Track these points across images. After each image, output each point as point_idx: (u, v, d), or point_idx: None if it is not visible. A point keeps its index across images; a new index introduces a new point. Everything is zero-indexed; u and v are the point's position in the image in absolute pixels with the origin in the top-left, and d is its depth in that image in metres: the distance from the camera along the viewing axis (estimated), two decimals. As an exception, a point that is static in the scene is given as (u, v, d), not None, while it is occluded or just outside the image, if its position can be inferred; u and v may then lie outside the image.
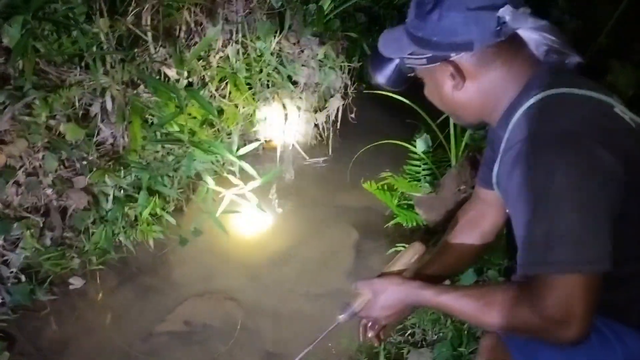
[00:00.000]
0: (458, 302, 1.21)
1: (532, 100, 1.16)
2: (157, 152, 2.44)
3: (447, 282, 1.74)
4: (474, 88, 1.20)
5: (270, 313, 2.72)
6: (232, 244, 2.62)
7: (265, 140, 3.41)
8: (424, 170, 2.98)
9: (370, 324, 1.53)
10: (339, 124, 3.58)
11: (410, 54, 1.22)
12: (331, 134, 3.52)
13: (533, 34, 1.21)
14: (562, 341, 1.05)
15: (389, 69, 1.34)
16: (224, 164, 3.10)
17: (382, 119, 3.63)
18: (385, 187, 2.88)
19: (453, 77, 1.19)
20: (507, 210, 1.21)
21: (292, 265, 2.91)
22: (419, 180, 2.98)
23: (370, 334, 1.52)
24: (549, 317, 1.04)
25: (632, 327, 1.22)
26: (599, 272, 1.04)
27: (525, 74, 1.21)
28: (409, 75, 1.32)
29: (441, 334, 2.19)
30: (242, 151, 2.65)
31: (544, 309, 1.04)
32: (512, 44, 1.19)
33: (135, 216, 2.54)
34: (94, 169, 2.30)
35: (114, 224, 2.47)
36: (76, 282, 2.67)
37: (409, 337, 2.28)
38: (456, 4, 1.13)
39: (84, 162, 2.31)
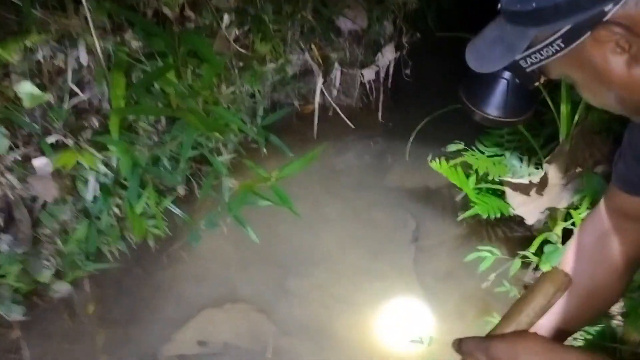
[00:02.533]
0: None
1: None
2: (153, 123, 1.79)
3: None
4: None
5: (309, 330, 2.13)
6: (258, 242, 1.98)
7: (299, 104, 2.72)
8: (508, 142, 2.25)
9: None
10: (390, 82, 2.85)
11: (528, 49, 0.81)
12: (381, 96, 2.79)
13: None
14: None
15: (499, 93, 0.97)
16: (247, 136, 2.45)
17: (447, 75, 2.87)
18: (459, 166, 2.16)
19: (622, 48, 0.75)
20: None
21: (334, 268, 2.30)
22: (500, 156, 2.26)
23: None
24: None
25: None
26: None
27: None
28: (535, 84, 0.90)
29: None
30: (268, 119, 1.97)
31: None
32: None
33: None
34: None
35: (100, 219, 1.85)
36: (61, 289, 2.10)
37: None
38: None
39: (50, 140, 1.67)
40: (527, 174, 2.06)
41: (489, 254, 1.92)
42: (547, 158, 1.82)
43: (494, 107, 1.03)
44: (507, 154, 2.23)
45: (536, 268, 2.04)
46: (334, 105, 2.69)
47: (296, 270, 2.29)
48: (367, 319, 2.20)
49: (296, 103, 2.71)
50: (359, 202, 2.54)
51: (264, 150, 2.08)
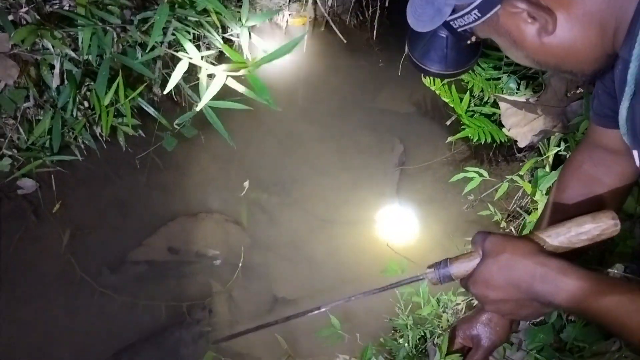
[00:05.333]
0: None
1: None
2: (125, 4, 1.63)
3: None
4: (572, 20, 0.80)
5: (284, 246, 2.07)
6: (236, 148, 1.87)
7: (290, 15, 2.56)
8: (507, 66, 2.13)
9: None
10: (388, -1, 2.67)
11: (453, 14, 0.87)
12: (378, 11, 2.62)
13: None
14: None
15: (439, 48, 1.01)
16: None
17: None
18: (452, 86, 2.04)
19: (533, 18, 0.81)
20: None
21: (315, 188, 2.20)
22: (497, 79, 2.14)
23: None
24: None
25: None
26: None
27: None
28: (468, 42, 0.94)
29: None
30: (253, 20, 1.81)
31: None
32: None
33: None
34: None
35: (66, 110, 1.72)
36: (25, 185, 2.01)
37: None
38: None
39: (10, 16, 1.51)
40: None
41: (476, 174, 1.83)
42: (546, 74, 1.70)
43: (435, 62, 1.05)
44: (505, 77, 2.11)
45: (524, 195, 1.97)
46: (328, 18, 2.52)
47: (276, 188, 2.19)
48: (344, 240, 2.12)
49: (286, 13, 2.54)
50: (345, 124, 2.41)
51: (247, 52, 1.94)
